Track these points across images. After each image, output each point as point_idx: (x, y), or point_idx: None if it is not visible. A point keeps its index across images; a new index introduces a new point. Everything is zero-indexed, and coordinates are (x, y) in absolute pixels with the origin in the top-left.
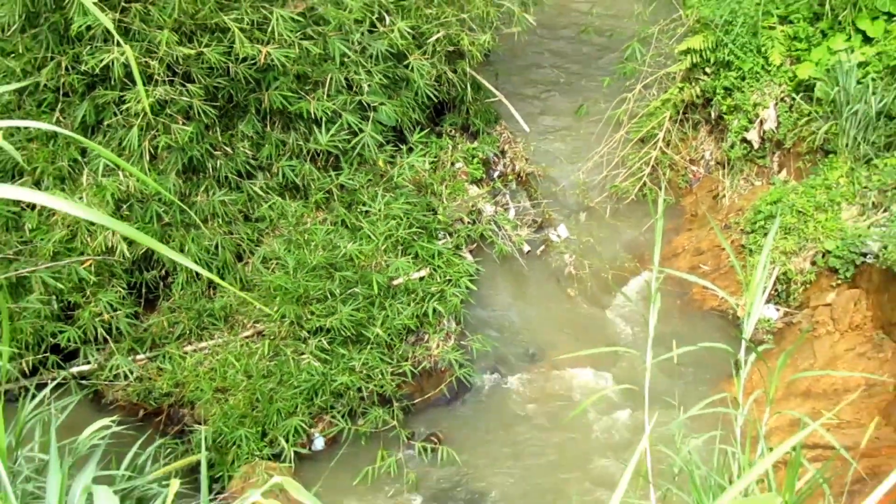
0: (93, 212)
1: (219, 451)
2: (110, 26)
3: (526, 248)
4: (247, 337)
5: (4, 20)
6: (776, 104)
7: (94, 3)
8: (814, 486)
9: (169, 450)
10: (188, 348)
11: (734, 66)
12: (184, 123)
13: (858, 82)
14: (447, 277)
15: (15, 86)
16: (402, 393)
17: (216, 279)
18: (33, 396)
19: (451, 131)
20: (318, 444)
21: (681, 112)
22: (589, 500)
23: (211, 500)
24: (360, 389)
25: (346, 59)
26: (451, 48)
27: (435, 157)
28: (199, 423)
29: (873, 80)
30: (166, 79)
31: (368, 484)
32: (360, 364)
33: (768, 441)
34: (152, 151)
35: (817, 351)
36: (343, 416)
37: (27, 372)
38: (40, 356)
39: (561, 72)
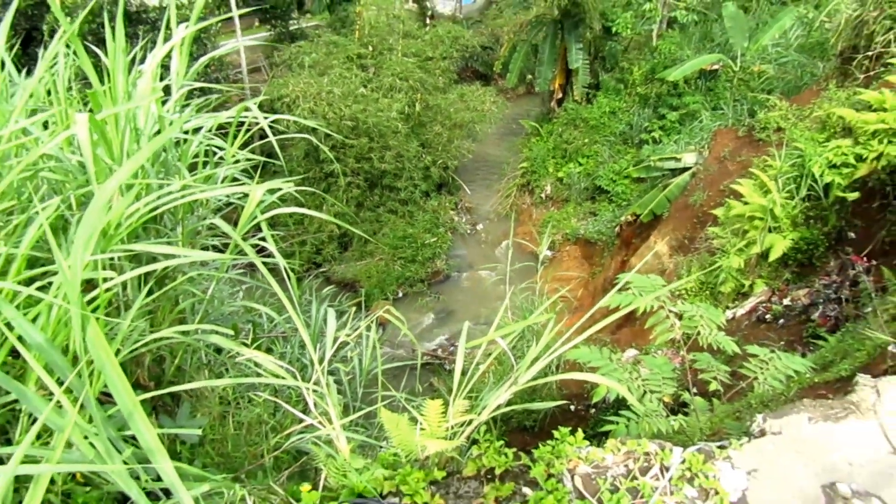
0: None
1: (368, 297)
2: None
3: (470, 231)
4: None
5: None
6: (552, 182)
7: None
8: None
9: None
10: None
11: (537, 171)
12: None
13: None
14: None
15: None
16: (427, 276)
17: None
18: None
19: (444, 192)
20: (400, 294)
21: (520, 186)
22: (491, 314)
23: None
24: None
25: (413, 174)
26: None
27: (437, 201)
28: (363, 287)
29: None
30: None
31: (415, 309)
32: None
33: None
34: None
35: (563, 265)
36: (408, 285)
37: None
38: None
39: (483, 174)
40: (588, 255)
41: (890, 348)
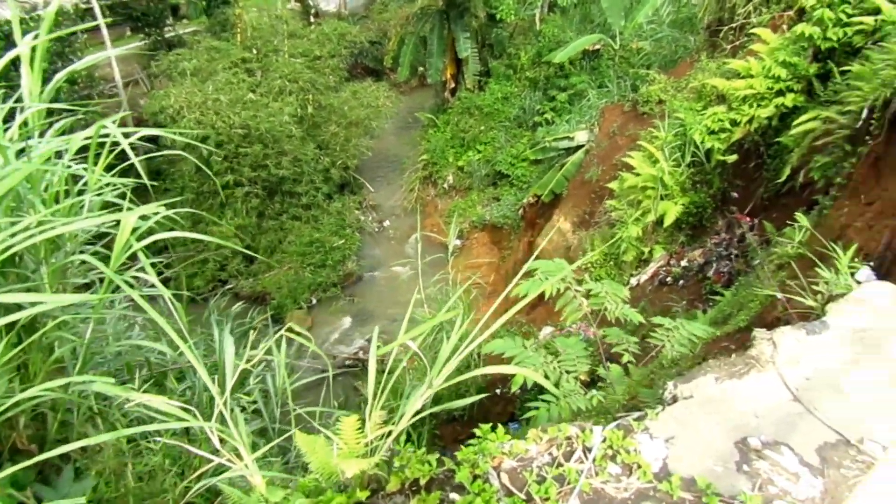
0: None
1: (280, 309)
2: None
3: (377, 228)
4: (289, 267)
5: None
6: (454, 171)
7: None
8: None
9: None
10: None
11: (438, 162)
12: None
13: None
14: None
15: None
16: (339, 279)
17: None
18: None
19: (347, 192)
20: (313, 301)
21: (422, 179)
22: (400, 313)
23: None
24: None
25: (313, 177)
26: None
27: (341, 202)
28: (273, 299)
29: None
30: None
31: (331, 314)
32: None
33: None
34: None
35: (473, 252)
36: (321, 290)
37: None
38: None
39: (384, 170)
40: (496, 240)
41: (778, 296)
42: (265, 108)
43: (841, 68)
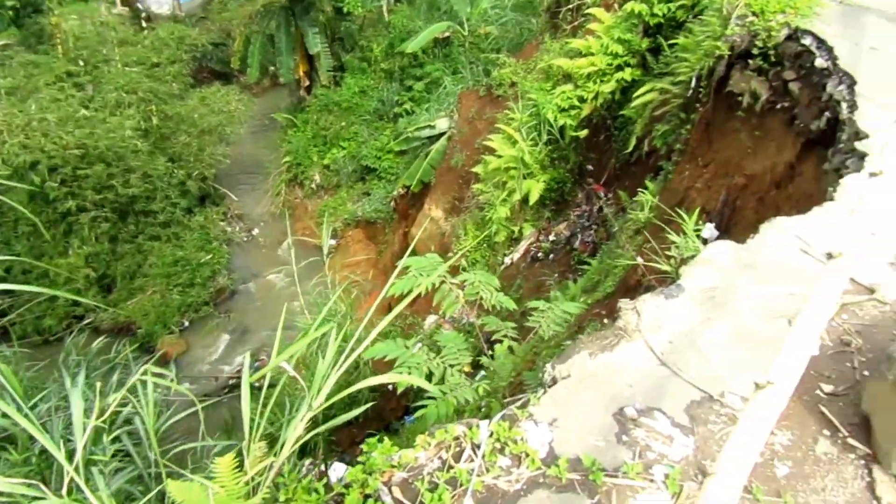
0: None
1: (150, 336)
2: None
3: (246, 237)
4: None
5: None
6: (319, 171)
7: None
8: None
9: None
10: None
11: (302, 163)
12: None
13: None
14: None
15: None
16: (211, 297)
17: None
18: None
19: (208, 204)
20: (185, 324)
21: (288, 182)
22: (288, 317)
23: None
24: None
25: (168, 192)
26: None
27: (204, 215)
28: (140, 327)
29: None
30: None
31: (205, 334)
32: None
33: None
34: None
35: (349, 251)
36: (192, 311)
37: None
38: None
39: (246, 177)
40: (371, 235)
41: (638, 261)
42: (102, 123)
43: (669, 42)
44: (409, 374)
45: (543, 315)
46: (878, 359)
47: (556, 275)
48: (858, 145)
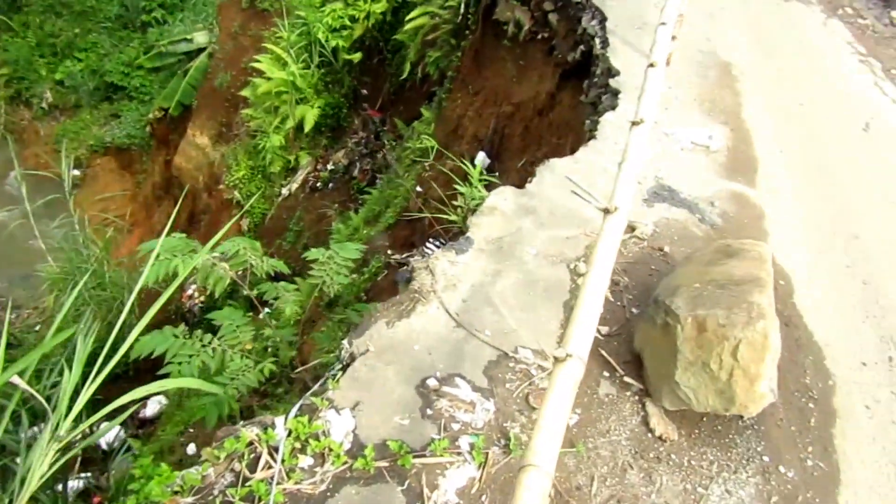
0: None
1: None
2: None
3: None
4: None
5: None
6: (51, 87)
7: None
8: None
9: None
10: None
11: (26, 77)
12: None
13: None
14: None
15: None
16: None
17: None
18: None
19: None
20: None
21: (8, 100)
22: (19, 271)
23: None
24: None
25: None
26: None
27: None
28: None
29: None
30: None
31: None
32: None
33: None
34: None
35: (99, 183)
36: None
37: None
38: None
39: None
40: (126, 164)
41: (416, 189)
42: None
43: None
44: (180, 372)
45: (325, 267)
46: (644, 295)
47: (337, 205)
48: (612, 82)
